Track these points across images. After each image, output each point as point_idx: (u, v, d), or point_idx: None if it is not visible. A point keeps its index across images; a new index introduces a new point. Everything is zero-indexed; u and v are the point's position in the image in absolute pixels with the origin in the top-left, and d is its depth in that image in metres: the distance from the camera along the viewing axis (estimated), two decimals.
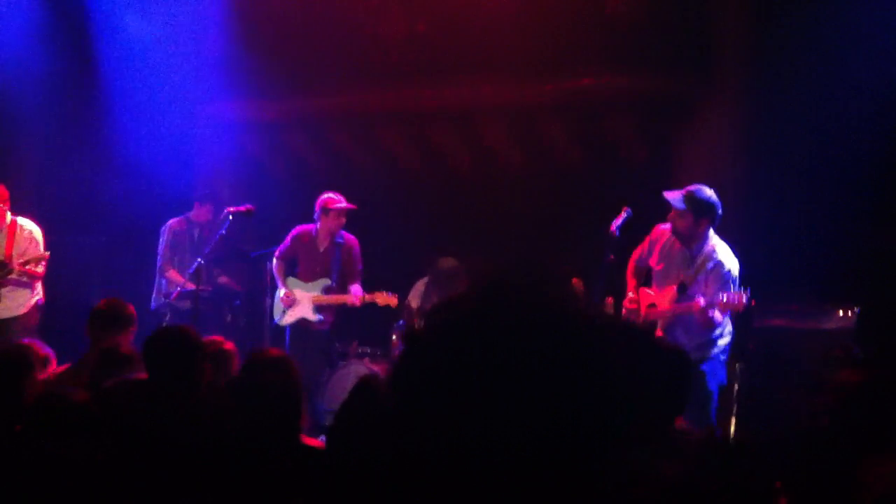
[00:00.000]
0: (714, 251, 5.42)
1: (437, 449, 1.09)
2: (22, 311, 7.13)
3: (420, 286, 7.93)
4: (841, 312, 5.99)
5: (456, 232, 8.12)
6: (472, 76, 8.04)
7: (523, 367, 1.09)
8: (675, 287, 5.47)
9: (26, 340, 4.93)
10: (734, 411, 5.98)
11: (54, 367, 4.66)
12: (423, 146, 8.86)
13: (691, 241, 5.46)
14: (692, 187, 5.45)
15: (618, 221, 5.69)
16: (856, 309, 5.93)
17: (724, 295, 5.20)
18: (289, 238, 7.40)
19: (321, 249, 7.34)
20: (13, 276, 7.07)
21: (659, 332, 5.46)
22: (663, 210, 5.59)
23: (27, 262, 7.07)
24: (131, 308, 5.05)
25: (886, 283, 6.28)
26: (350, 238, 7.40)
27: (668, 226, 5.59)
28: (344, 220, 7.28)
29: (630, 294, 5.77)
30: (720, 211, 5.43)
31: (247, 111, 9.00)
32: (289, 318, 7.33)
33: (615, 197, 5.91)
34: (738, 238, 6.99)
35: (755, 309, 6.16)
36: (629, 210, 5.72)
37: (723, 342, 5.47)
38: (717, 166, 7.31)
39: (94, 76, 8.73)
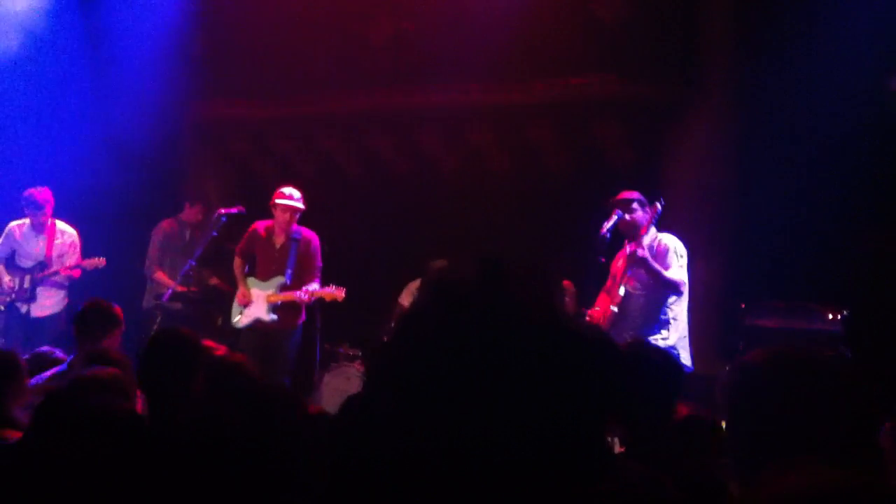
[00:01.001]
0: (656, 237, 5.83)
1: (409, 457, 1.10)
2: (57, 309, 7.51)
3: (412, 287, 7.92)
4: (830, 314, 6.01)
5: (444, 234, 8.11)
6: (460, 79, 8.04)
7: (476, 369, 1.08)
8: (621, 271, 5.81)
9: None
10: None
11: None
12: (411, 149, 8.85)
13: (637, 232, 5.80)
14: (626, 195, 5.87)
15: (608, 224, 5.76)
16: (844, 311, 5.96)
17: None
18: (246, 234, 7.12)
19: (277, 245, 7.02)
20: (54, 277, 7.43)
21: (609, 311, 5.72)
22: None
23: (76, 266, 7.44)
24: (117, 309, 5.02)
25: (875, 285, 6.31)
26: (308, 233, 7.07)
27: (620, 254, 5.93)
28: (289, 216, 6.92)
29: (596, 307, 5.96)
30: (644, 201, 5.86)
31: (236, 112, 9.00)
32: (244, 320, 6.97)
33: (602, 200, 5.94)
34: (727, 240, 7.03)
35: (744, 309, 6.20)
36: (619, 212, 5.78)
37: (667, 343, 5.60)
38: (706, 169, 7.34)
39: (90, 70, 8.73)
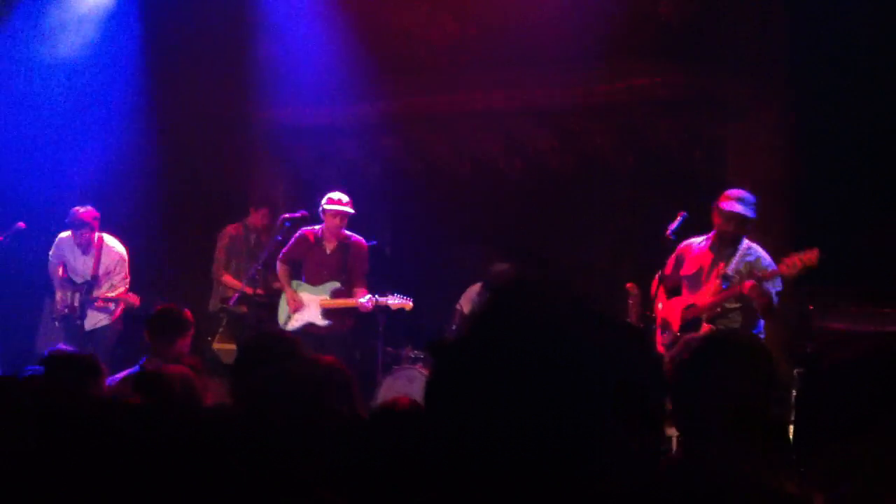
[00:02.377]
0: (750, 246, 5.68)
1: (471, 458, 1.12)
2: (109, 321, 7.53)
3: (472, 291, 7.93)
4: None
5: (505, 237, 8.10)
6: (521, 81, 8.03)
7: (539, 370, 1.11)
8: (717, 281, 5.61)
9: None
10: (791, 418, 5.88)
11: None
12: (471, 152, 8.87)
13: (736, 241, 5.66)
14: (750, 197, 5.68)
15: (673, 226, 5.75)
16: None
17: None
18: (293, 240, 7.18)
19: (328, 251, 7.10)
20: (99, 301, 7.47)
21: (707, 326, 5.55)
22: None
23: (111, 288, 7.49)
24: (188, 313, 5.14)
25: None
26: (357, 240, 7.14)
27: (691, 241, 5.82)
28: (339, 221, 6.98)
29: (659, 305, 5.86)
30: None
31: (299, 118, 9.11)
32: (294, 323, 7.03)
33: (667, 199, 5.90)
34: (793, 239, 6.90)
35: (813, 312, 6.08)
36: (685, 214, 5.76)
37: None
38: (770, 165, 7.21)
39: (148, 79, 8.87)
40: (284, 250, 7.18)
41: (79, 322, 7.48)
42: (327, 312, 6.98)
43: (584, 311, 1.17)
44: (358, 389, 3.49)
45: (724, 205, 5.62)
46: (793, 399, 5.97)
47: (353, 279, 7.02)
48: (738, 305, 5.60)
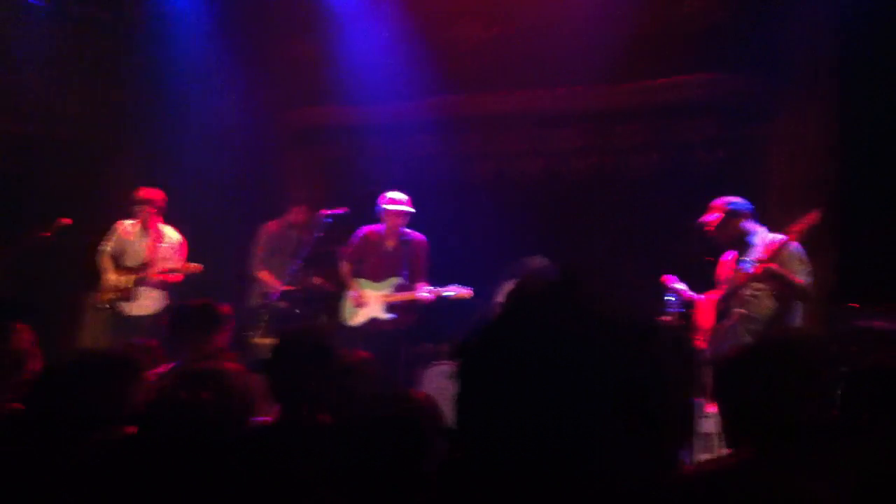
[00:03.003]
0: (767, 234, 5.67)
1: (499, 461, 1.12)
2: (155, 309, 7.62)
3: (507, 288, 7.90)
4: None
5: (535, 235, 8.05)
6: (548, 83, 8.00)
7: (560, 373, 1.11)
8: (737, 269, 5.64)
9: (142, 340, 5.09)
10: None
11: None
12: (500, 152, 8.85)
13: (742, 240, 5.67)
14: (717, 202, 5.76)
15: (716, 222, 5.74)
16: None
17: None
18: (355, 239, 7.35)
19: (389, 248, 7.28)
20: (154, 277, 7.55)
21: (737, 312, 5.59)
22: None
23: (172, 271, 7.57)
24: (225, 308, 5.16)
25: None
26: (417, 236, 7.32)
27: (724, 258, 5.84)
28: (400, 220, 7.21)
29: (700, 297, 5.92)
30: (747, 205, 5.71)
31: (338, 117, 9.16)
32: (358, 319, 7.26)
33: (697, 200, 5.84)
34: (835, 238, 6.78)
35: (857, 311, 5.98)
36: (717, 213, 5.73)
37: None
38: (806, 166, 7.11)
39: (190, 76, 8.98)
40: (348, 249, 7.34)
41: (126, 307, 7.57)
42: (390, 307, 7.19)
43: (608, 313, 1.16)
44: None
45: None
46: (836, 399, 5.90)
47: (416, 274, 7.22)
48: (764, 289, 5.53)
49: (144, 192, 7.68)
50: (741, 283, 5.59)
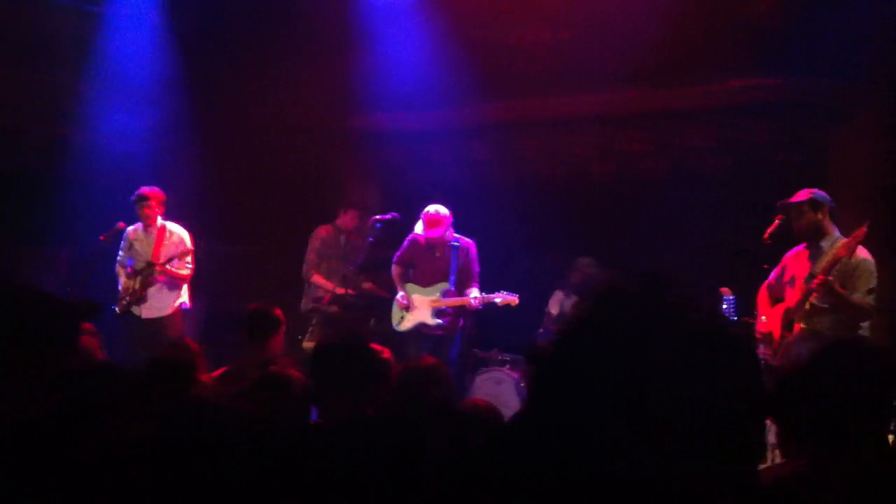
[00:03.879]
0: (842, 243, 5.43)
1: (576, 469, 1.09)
2: (167, 311, 7.56)
3: (559, 294, 7.86)
4: None
5: (596, 241, 8.00)
6: (613, 85, 7.93)
7: (651, 377, 1.07)
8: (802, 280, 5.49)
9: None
10: None
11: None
12: (563, 156, 8.79)
13: (816, 237, 5.49)
14: (802, 191, 5.56)
15: (770, 229, 5.63)
16: None
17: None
18: (406, 243, 7.33)
19: (437, 255, 7.21)
20: (158, 276, 7.50)
21: (798, 326, 5.45)
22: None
23: (169, 261, 7.50)
24: (279, 311, 5.20)
25: None
26: (466, 242, 7.25)
27: (796, 249, 5.66)
28: (443, 230, 7.06)
29: (762, 318, 5.72)
30: (832, 203, 5.52)
31: (390, 123, 9.18)
32: (407, 324, 7.19)
33: (764, 204, 5.74)
34: None
35: None
36: (784, 218, 5.61)
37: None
38: (876, 168, 6.96)
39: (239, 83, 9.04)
40: (398, 253, 7.33)
41: (138, 311, 7.53)
42: (438, 313, 7.12)
43: (685, 321, 1.12)
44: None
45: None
46: None
47: (464, 280, 7.16)
48: (827, 305, 5.40)
49: (143, 190, 7.63)
50: (802, 296, 5.45)
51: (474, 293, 7.04)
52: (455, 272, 7.13)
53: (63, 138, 8.67)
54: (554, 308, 7.85)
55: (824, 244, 5.47)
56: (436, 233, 7.06)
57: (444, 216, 7.11)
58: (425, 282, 7.22)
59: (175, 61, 8.95)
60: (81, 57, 8.63)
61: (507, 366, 7.53)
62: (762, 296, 5.80)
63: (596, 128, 8.44)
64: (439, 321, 7.12)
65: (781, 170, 7.52)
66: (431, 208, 7.13)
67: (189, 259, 7.62)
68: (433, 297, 7.16)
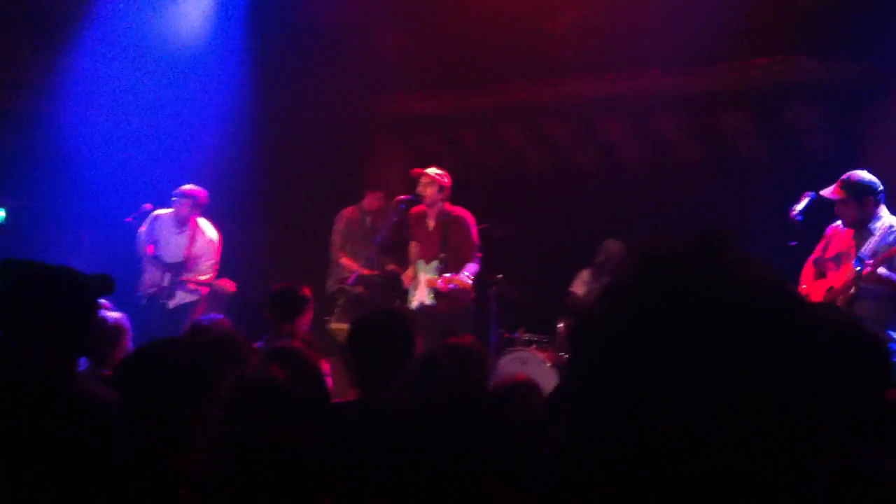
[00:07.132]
0: (892, 226, 5.32)
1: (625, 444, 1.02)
2: (192, 298, 7.66)
3: (584, 275, 7.80)
4: None
5: (626, 225, 7.93)
6: (645, 66, 7.82)
7: (708, 346, 0.98)
8: (851, 264, 5.34)
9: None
10: None
11: None
12: (594, 139, 8.71)
13: (863, 223, 5.38)
14: (844, 175, 5.39)
15: (798, 206, 5.53)
16: None
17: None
18: (409, 219, 7.15)
19: (430, 227, 6.93)
20: (187, 283, 7.58)
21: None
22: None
23: (196, 266, 7.59)
24: (307, 290, 5.20)
25: None
26: (459, 211, 6.88)
27: (838, 223, 5.55)
28: (430, 191, 6.78)
29: (803, 286, 5.61)
30: (880, 186, 5.34)
31: (419, 105, 9.13)
32: (413, 303, 6.85)
33: (802, 186, 5.66)
34: None
35: None
36: (812, 194, 5.54)
37: None
38: None
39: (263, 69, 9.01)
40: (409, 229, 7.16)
41: (164, 301, 7.59)
42: (435, 292, 6.80)
43: (755, 278, 1.03)
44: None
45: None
46: None
47: (458, 255, 6.75)
48: (871, 290, 5.31)
49: (189, 188, 7.65)
50: (848, 281, 5.32)
51: (471, 272, 6.66)
52: (447, 247, 6.77)
53: (85, 120, 8.68)
54: (579, 289, 7.80)
55: (872, 225, 5.36)
56: (426, 192, 6.76)
57: (439, 177, 6.86)
58: (425, 257, 6.94)
59: (201, 40, 8.90)
60: (110, 34, 8.62)
61: (533, 346, 7.49)
62: (807, 268, 5.69)
63: (629, 110, 8.31)
64: (434, 301, 6.74)
65: (818, 154, 7.40)
66: (432, 169, 6.92)
67: (211, 265, 7.67)
68: (429, 276, 6.85)
